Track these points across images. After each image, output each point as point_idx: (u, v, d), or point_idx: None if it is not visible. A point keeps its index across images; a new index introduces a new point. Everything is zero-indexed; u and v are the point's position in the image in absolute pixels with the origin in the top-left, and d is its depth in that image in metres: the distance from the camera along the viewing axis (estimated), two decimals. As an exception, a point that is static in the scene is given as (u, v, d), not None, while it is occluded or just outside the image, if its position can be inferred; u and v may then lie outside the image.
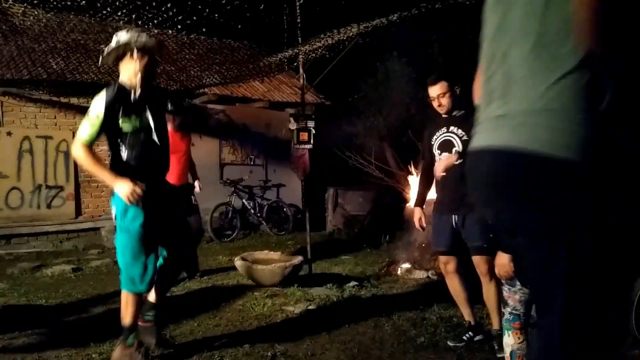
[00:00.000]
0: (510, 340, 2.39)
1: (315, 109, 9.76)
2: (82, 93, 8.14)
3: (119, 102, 2.74)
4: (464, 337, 3.38)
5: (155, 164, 2.93)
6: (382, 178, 8.95)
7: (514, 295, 2.36)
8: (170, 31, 10.46)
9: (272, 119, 9.82)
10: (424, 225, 3.49)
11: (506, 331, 2.41)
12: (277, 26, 5.06)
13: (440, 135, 3.32)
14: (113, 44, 2.75)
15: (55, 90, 7.88)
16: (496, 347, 3.16)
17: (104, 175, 2.79)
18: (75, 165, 8.11)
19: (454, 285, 3.40)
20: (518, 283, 2.32)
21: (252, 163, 9.74)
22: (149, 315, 3.00)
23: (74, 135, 8.01)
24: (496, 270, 2.43)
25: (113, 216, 2.86)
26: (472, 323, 3.41)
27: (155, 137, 2.87)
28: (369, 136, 9.63)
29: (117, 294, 4.84)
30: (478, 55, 1.40)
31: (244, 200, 8.92)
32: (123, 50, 2.77)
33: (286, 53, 4.67)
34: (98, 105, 2.71)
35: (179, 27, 7.67)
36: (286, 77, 10.55)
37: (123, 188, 2.69)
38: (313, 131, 4.85)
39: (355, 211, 9.25)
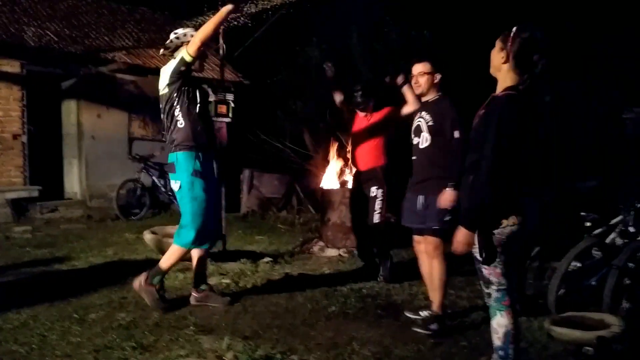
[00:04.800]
0: (504, 321, 2.24)
1: (234, 88, 9.58)
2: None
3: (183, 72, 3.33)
4: (421, 313, 3.42)
5: (209, 135, 3.45)
6: (299, 162, 9.05)
7: (495, 270, 2.22)
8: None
9: (188, 95, 9.50)
10: None
11: (497, 311, 2.25)
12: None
13: (415, 119, 3.41)
14: (172, 38, 3.41)
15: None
16: (432, 327, 3.13)
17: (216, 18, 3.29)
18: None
19: (424, 266, 3.43)
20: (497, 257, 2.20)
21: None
22: (156, 280, 3.40)
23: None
24: (454, 247, 2.28)
25: (176, 188, 3.36)
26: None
27: (203, 111, 3.41)
28: (287, 120, 9.67)
29: (10, 268, 4.52)
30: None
31: (154, 178, 8.55)
32: (181, 42, 3.39)
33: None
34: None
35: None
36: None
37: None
38: (232, 104, 4.77)
39: (271, 193, 9.28)
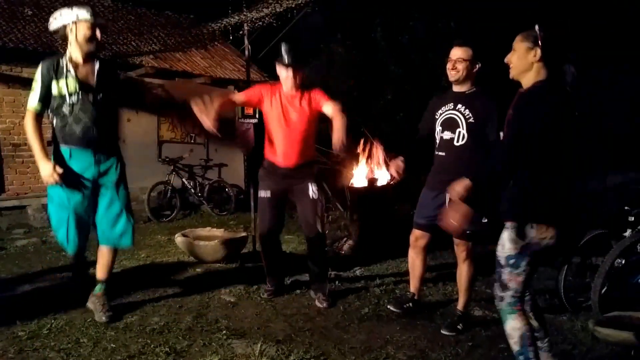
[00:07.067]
0: (517, 323, 2.26)
1: (259, 87, 9.59)
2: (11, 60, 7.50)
3: (53, 69, 3.06)
4: (404, 306, 3.46)
5: (84, 134, 3.12)
6: (325, 160, 8.98)
7: (517, 278, 2.23)
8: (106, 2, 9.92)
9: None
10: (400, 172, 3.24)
11: (509, 315, 2.27)
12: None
13: (446, 111, 3.14)
14: (53, 23, 3.11)
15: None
16: (459, 327, 3.15)
17: (37, 151, 3.04)
18: (-3, 138, 7.51)
19: (416, 261, 3.40)
20: (524, 263, 2.20)
21: (192, 141, 9.45)
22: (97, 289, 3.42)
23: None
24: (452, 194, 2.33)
25: None
26: (416, 297, 3.48)
27: (87, 106, 3.10)
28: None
29: (46, 272, 4.61)
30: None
31: (183, 180, 8.66)
32: (63, 29, 3.09)
33: (231, 19, 4.47)
34: (37, 72, 3.07)
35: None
36: (229, 54, 10.29)
37: (44, 170, 3.01)
38: (258, 105, 4.72)
39: (299, 192, 9.24)
